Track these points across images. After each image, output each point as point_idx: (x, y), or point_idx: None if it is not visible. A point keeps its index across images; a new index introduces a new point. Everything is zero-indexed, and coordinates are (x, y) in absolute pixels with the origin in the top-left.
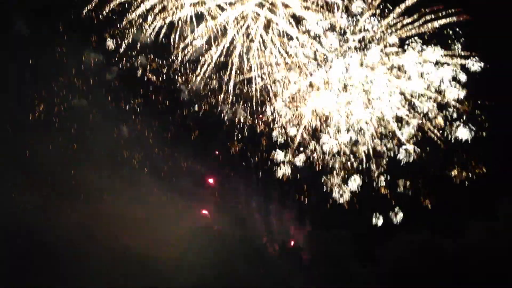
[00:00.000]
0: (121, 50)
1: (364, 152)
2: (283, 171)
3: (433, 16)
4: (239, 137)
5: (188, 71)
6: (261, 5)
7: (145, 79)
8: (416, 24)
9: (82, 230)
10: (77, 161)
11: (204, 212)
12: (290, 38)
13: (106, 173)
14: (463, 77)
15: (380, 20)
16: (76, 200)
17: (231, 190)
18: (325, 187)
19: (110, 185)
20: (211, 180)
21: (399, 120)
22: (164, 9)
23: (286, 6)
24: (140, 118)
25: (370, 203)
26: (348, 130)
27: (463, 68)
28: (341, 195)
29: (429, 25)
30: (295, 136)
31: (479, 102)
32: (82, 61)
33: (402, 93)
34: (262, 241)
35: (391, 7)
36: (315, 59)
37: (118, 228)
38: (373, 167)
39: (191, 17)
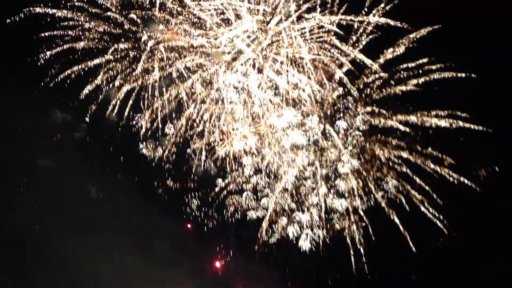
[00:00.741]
0: (91, 111)
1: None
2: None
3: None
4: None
5: (158, 133)
6: (231, 68)
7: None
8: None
9: None
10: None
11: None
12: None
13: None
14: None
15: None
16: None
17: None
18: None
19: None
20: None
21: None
22: (133, 72)
23: (258, 70)
24: (108, 177)
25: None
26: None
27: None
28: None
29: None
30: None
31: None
32: (49, 120)
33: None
34: None
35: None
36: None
37: None
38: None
39: (160, 79)
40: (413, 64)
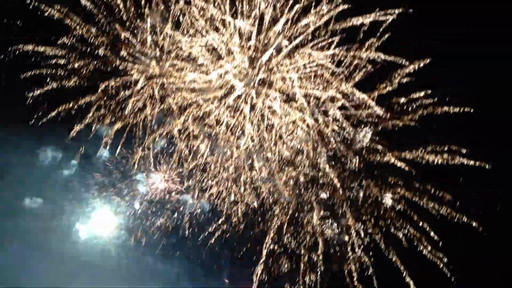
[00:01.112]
0: (81, 149)
1: None
2: None
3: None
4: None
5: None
6: (223, 104)
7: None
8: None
9: None
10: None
11: None
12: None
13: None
14: None
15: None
16: None
17: None
18: None
19: None
20: None
21: None
22: (123, 109)
23: (251, 106)
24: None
25: None
26: None
27: None
28: None
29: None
30: None
31: None
32: (38, 159)
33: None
34: None
35: None
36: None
37: None
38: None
39: (151, 116)
40: (408, 98)
